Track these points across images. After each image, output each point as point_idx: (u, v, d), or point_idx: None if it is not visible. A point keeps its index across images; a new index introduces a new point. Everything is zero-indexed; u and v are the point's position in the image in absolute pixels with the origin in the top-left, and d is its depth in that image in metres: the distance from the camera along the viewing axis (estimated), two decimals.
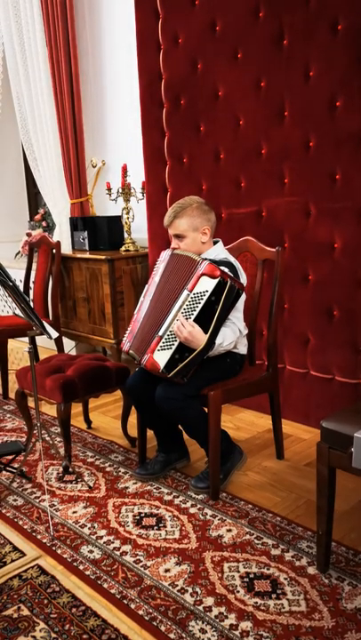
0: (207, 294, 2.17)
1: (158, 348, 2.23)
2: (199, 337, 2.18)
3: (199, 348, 2.19)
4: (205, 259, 2.26)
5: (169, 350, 2.21)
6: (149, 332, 2.32)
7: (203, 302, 2.18)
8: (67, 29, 4.07)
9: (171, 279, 2.34)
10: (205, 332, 2.19)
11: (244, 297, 2.38)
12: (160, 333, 2.25)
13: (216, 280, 2.16)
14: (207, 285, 2.18)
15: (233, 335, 2.31)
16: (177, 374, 2.22)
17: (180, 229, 2.36)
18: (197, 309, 2.19)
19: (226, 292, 2.18)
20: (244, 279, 2.39)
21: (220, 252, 2.42)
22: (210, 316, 2.19)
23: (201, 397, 2.33)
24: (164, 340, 2.23)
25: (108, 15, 4.04)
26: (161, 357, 2.22)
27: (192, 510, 2.29)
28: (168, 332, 2.23)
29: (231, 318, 2.31)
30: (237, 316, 2.36)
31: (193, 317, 2.19)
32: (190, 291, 2.21)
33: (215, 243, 2.46)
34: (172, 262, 2.38)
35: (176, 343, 2.21)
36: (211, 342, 2.21)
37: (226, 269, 2.24)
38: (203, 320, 2.19)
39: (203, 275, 2.19)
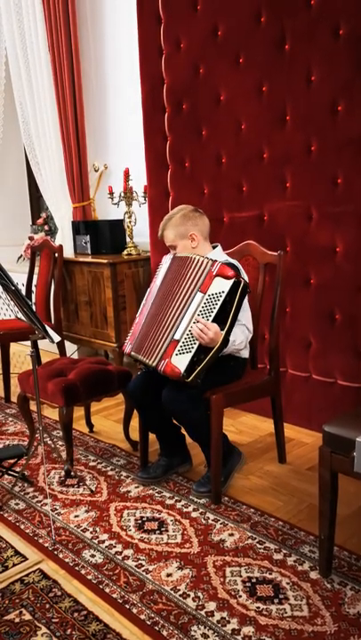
0: (223, 295, 2.18)
1: (176, 352, 2.22)
2: (218, 337, 2.19)
3: (215, 348, 2.19)
4: (215, 260, 2.29)
5: (188, 354, 2.20)
6: (158, 335, 2.32)
7: (220, 303, 2.19)
8: (69, 34, 4.09)
9: (176, 281, 2.35)
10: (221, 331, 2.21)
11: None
12: (177, 337, 2.24)
13: (231, 281, 2.18)
14: (222, 286, 2.19)
15: (242, 335, 2.34)
16: (195, 378, 2.21)
17: (169, 239, 2.45)
18: (215, 310, 2.19)
19: (240, 291, 2.20)
20: (246, 280, 2.41)
21: (218, 255, 2.45)
22: (225, 316, 2.20)
23: (204, 401, 2.33)
24: (181, 343, 2.22)
25: (111, 20, 4.06)
26: (180, 362, 2.20)
27: (194, 514, 2.29)
28: (186, 336, 2.22)
29: (241, 319, 2.33)
30: (246, 316, 2.39)
31: (211, 318, 2.19)
32: (204, 292, 2.21)
33: (214, 247, 2.48)
34: (175, 265, 2.41)
35: (195, 346, 2.20)
36: (226, 340, 2.22)
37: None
38: (218, 321, 2.20)
39: (217, 275, 2.20)
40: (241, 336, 2.33)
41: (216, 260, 2.25)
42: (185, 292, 2.29)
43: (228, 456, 2.54)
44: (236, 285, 2.18)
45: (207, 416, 2.33)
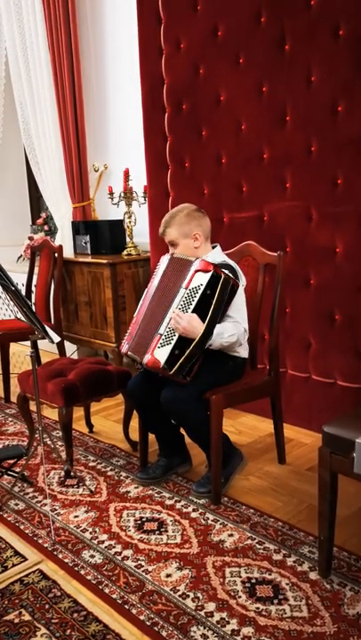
0: (202, 287, 2.22)
1: (158, 345, 2.26)
2: (197, 325, 2.21)
3: (197, 338, 2.21)
4: (200, 258, 2.31)
5: (168, 346, 2.24)
6: (149, 333, 2.35)
7: (198, 295, 2.22)
8: (69, 34, 4.09)
9: (169, 281, 2.38)
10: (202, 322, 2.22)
11: (244, 297, 2.40)
12: (160, 331, 2.29)
13: (209, 273, 2.21)
14: (201, 280, 2.23)
15: (234, 329, 2.31)
16: (179, 371, 2.22)
17: (171, 237, 2.44)
18: (194, 302, 2.23)
19: (221, 284, 2.22)
20: (243, 282, 2.43)
21: (217, 256, 2.46)
22: (206, 308, 2.22)
23: (203, 401, 2.33)
24: (163, 336, 2.27)
25: (111, 20, 4.06)
26: (161, 354, 2.24)
27: (194, 515, 2.29)
28: (167, 329, 2.26)
29: (235, 316, 2.33)
30: (241, 316, 2.37)
31: (190, 311, 2.23)
32: (186, 288, 2.26)
33: (213, 247, 2.48)
34: (170, 265, 2.43)
35: (175, 338, 2.23)
36: (209, 331, 2.23)
37: (225, 271, 2.28)
38: (200, 312, 2.22)
39: (197, 271, 2.24)
40: (232, 329, 2.30)
41: (199, 258, 2.29)
42: (173, 291, 2.33)
43: (230, 457, 2.54)
44: (216, 278, 2.21)
45: (207, 417, 2.34)
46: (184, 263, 2.34)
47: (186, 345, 2.23)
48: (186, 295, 2.25)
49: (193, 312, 2.22)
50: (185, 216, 2.42)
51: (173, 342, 2.23)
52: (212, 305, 2.22)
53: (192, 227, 2.41)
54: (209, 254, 2.43)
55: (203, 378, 2.30)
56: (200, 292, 2.22)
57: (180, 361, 2.22)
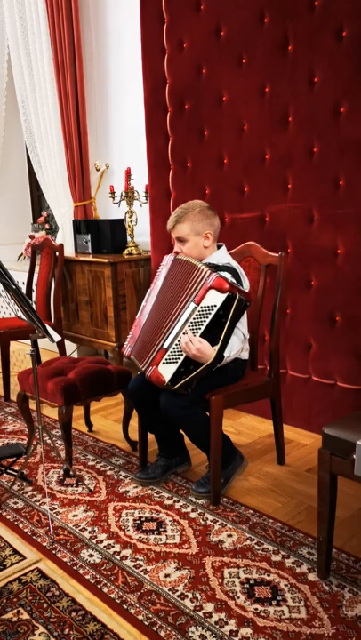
0: (215, 309, 2.13)
1: (163, 360, 2.21)
2: (207, 352, 2.14)
3: (207, 363, 2.16)
4: (210, 264, 2.27)
5: (174, 364, 2.19)
6: (152, 339, 2.32)
7: (211, 317, 2.14)
8: (72, 33, 4.09)
9: (174, 286, 2.32)
10: (213, 346, 2.15)
11: None
12: (165, 346, 2.22)
13: (225, 295, 2.11)
14: (215, 300, 2.13)
15: (239, 343, 2.31)
16: (182, 387, 2.21)
17: (182, 233, 2.36)
18: (205, 324, 2.14)
19: (235, 305, 2.13)
20: (246, 284, 2.39)
21: (222, 256, 2.42)
22: (218, 331, 2.14)
23: (203, 402, 2.33)
24: (169, 352, 2.21)
25: (114, 19, 4.06)
26: (166, 371, 2.20)
27: (193, 515, 2.29)
28: (174, 346, 2.20)
29: (237, 325, 2.31)
30: (242, 321, 2.35)
31: (200, 332, 2.15)
32: (198, 304, 2.16)
33: (219, 247, 2.46)
34: (174, 268, 2.38)
35: (182, 357, 2.18)
36: (219, 356, 2.17)
37: (229, 275, 2.23)
38: (210, 334, 2.15)
39: (211, 288, 2.14)
40: (238, 344, 2.29)
41: (214, 271, 2.19)
42: (180, 301, 2.25)
43: (230, 458, 2.54)
44: (231, 299, 2.12)
45: (207, 418, 2.33)
46: (192, 270, 2.25)
47: (192, 364, 2.17)
48: (197, 313, 2.16)
49: (204, 332, 2.14)
50: (199, 213, 2.34)
51: (180, 362, 2.18)
52: (224, 327, 2.14)
53: (205, 225, 2.34)
54: (214, 255, 2.40)
55: (203, 380, 2.29)
56: (213, 313, 2.13)
57: (185, 380, 2.19)
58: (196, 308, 2.17)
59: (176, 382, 2.19)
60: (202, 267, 2.23)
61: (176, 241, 2.41)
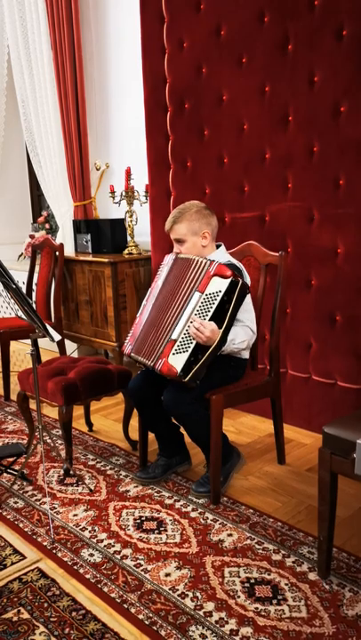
0: (220, 294, 2.18)
1: (173, 351, 2.22)
2: (217, 333, 2.19)
3: (213, 346, 2.19)
4: (213, 260, 2.28)
5: (185, 353, 2.20)
6: (157, 336, 2.32)
7: (217, 302, 2.18)
8: (72, 32, 4.09)
9: (177, 282, 2.34)
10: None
11: (250, 298, 2.38)
12: (174, 337, 2.24)
13: (228, 280, 2.17)
14: (220, 286, 2.18)
15: (245, 335, 2.32)
16: (193, 378, 2.21)
17: (179, 234, 2.38)
18: (212, 310, 2.19)
19: (238, 291, 2.19)
20: (248, 281, 2.40)
21: (221, 255, 2.43)
22: (223, 316, 2.20)
23: (204, 401, 2.33)
24: (179, 342, 2.22)
25: (114, 19, 4.06)
26: (177, 361, 2.20)
27: (193, 514, 2.29)
28: (183, 335, 2.22)
29: (244, 320, 2.32)
30: (250, 317, 2.36)
31: (208, 318, 2.19)
32: (202, 292, 2.21)
33: (218, 247, 2.47)
34: (176, 266, 2.39)
35: (192, 346, 2.20)
36: (223, 339, 2.21)
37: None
38: (216, 320, 2.19)
39: (214, 275, 2.19)
40: (243, 335, 2.31)
41: (214, 261, 2.24)
42: (184, 293, 2.28)
43: (228, 456, 2.54)
44: (234, 285, 2.17)
45: (208, 417, 2.33)
46: (194, 264, 2.29)
47: (201, 352, 2.20)
48: (203, 301, 2.20)
49: (211, 318, 2.18)
50: (195, 213, 2.37)
51: (190, 349, 2.19)
52: (228, 312, 2.19)
53: (202, 224, 2.37)
54: (213, 254, 2.41)
55: (204, 378, 2.30)
56: (218, 298, 2.17)
57: (196, 368, 2.20)
58: (201, 296, 2.21)
59: (187, 372, 2.19)
60: (201, 259, 2.27)
61: (175, 242, 2.43)
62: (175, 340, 2.23)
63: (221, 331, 2.19)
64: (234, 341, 2.28)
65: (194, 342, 2.20)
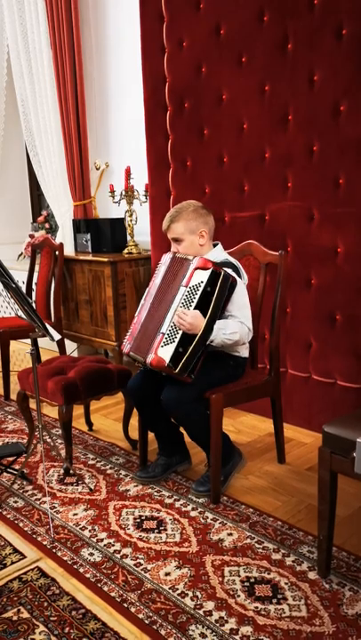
0: (202, 285, 2.22)
1: (162, 344, 2.25)
2: (199, 321, 2.21)
3: (199, 334, 2.21)
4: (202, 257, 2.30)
5: (172, 344, 2.23)
6: (151, 333, 2.34)
7: (199, 293, 2.22)
8: (71, 32, 4.09)
9: (170, 281, 2.37)
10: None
11: (247, 296, 2.38)
12: (163, 330, 2.27)
13: (209, 271, 2.21)
14: (201, 277, 2.23)
15: (237, 327, 2.30)
16: (184, 369, 2.21)
17: (176, 233, 2.40)
18: (195, 300, 2.22)
19: (220, 281, 2.22)
20: (245, 279, 2.43)
21: (219, 254, 2.45)
22: (207, 306, 2.23)
23: (203, 400, 2.33)
24: (166, 335, 2.25)
25: (113, 18, 4.06)
26: (165, 352, 2.23)
27: (193, 514, 2.29)
28: (170, 327, 2.25)
29: (238, 315, 2.32)
30: (245, 314, 2.35)
31: (192, 308, 2.23)
32: (186, 286, 2.26)
33: (215, 245, 2.48)
34: (172, 265, 2.41)
35: (179, 336, 2.22)
36: (209, 327, 2.23)
37: (229, 270, 2.29)
38: (201, 310, 2.22)
39: (196, 269, 2.24)
40: (234, 326, 2.29)
41: (198, 256, 2.29)
42: (174, 290, 2.32)
43: (229, 456, 2.54)
44: (216, 275, 2.21)
45: (207, 417, 2.33)
46: (184, 262, 2.33)
47: (189, 342, 2.22)
48: (186, 293, 2.25)
49: (195, 309, 2.22)
50: (192, 212, 2.39)
51: (177, 340, 2.22)
52: (212, 302, 2.23)
53: (199, 223, 2.39)
54: (211, 253, 2.42)
55: (203, 377, 2.30)
56: (200, 289, 2.22)
57: (184, 358, 2.21)
58: (185, 289, 2.26)
59: (177, 363, 2.21)
60: (191, 257, 2.31)
61: (172, 242, 2.44)
62: (164, 334, 2.27)
63: (206, 319, 2.21)
64: (224, 331, 2.27)
65: (180, 332, 2.22)
